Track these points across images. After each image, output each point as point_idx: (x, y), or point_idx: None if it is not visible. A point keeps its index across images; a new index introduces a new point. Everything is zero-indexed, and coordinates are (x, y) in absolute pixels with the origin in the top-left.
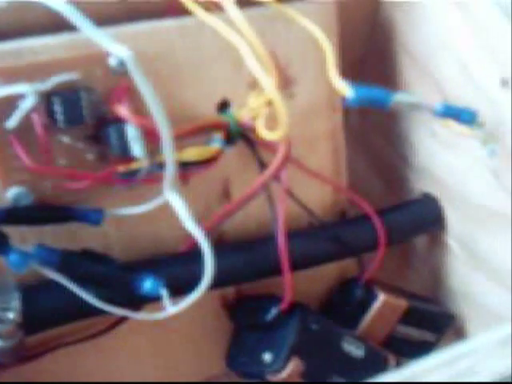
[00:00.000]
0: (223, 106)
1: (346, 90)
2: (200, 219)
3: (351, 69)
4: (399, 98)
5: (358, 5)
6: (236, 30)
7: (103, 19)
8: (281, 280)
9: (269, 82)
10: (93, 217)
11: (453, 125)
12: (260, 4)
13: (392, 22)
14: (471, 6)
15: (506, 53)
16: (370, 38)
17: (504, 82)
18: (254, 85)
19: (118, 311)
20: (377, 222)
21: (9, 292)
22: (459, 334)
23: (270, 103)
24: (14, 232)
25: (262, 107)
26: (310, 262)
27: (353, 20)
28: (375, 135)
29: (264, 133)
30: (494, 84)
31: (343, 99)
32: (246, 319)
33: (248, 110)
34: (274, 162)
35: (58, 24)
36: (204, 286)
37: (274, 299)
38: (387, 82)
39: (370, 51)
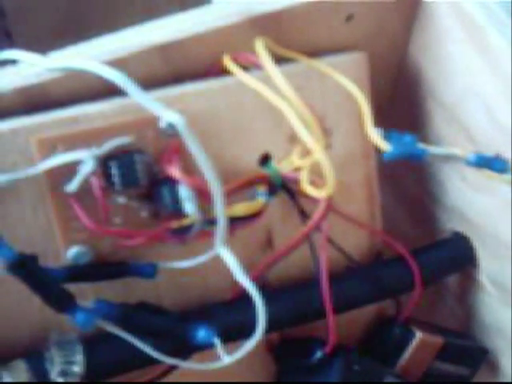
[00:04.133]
0: (265, 159)
1: (383, 145)
2: (245, 268)
3: (378, 112)
4: (434, 151)
5: (385, 52)
6: (275, 87)
7: (150, 81)
8: (321, 322)
9: (317, 146)
10: (147, 271)
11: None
12: (294, 60)
13: (419, 68)
14: (494, 54)
15: None
16: (396, 83)
17: None
18: (293, 137)
19: (177, 362)
20: (413, 264)
21: (72, 346)
22: (493, 367)
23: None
24: (73, 288)
25: (306, 165)
26: (352, 305)
27: (380, 66)
28: (405, 174)
29: (309, 189)
30: None
31: (378, 150)
32: (291, 362)
33: (289, 163)
34: (316, 214)
35: (110, 89)
36: (257, 335)
37: (317, 342)
38: (414, 127)
39: (397, 96)
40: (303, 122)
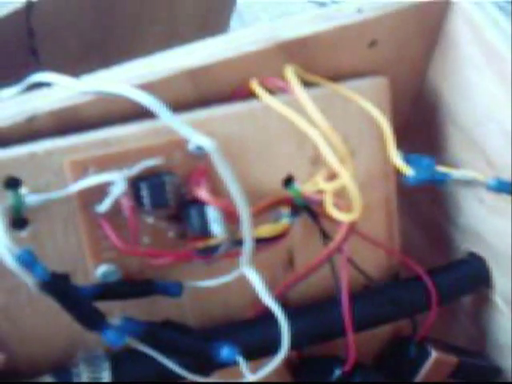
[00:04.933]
0: (288, 181)
1: (405, 168)
2: (267, 287)
3: (397, 135)
4: (455, 175)
5: (406, 76)
6: (301, 111)
7: (179, 104)
8: (339, 340)
9: (344, 171)
10: (173, 290)
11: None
12: (317, 85)
13: (438, 93)
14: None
15: None
16: (416, 107)
17: None
18: (316, 160)
19: (201, 378)
20: (429, 284)
21: (100, 362)
22: None
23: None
24: (100, 305)
25: (331, 189)
26: (370, 324)
27: (400, 90)
28: (421, 195)
29: (334, 213)
30: None
31: (399, 174)
32: (310, 380)
33: (312, 185)
34: (339, 236)
35: (140, 112)
36: (282, 354)
37: (336, 360)
38: (433, 150)
39: (417, 120)
40: (330, 146)
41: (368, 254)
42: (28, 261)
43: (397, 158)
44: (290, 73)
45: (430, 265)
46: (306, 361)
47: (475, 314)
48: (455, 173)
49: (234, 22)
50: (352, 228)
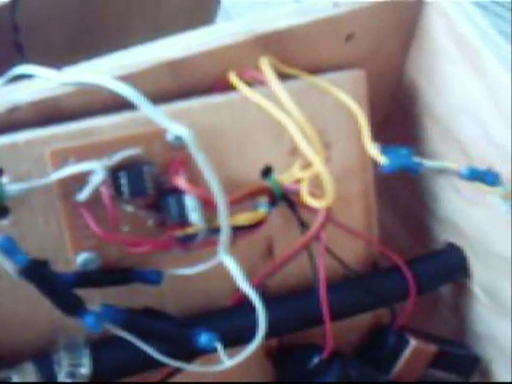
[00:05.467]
0: (266, 171)
1: (381, 158)
2: (246, 275)
3: (375, 128)
4: (429, 164)
5: (383, 70)
6: (278, 103)
7: (158, 95)
8: (319, 329)
9: (317, 159)
10: (153, 278)
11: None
12: (295, 77)
13: (415, 86)
14: (487, 73)
15: None
16: (393, 100)
17: None
18: (294, 151)
19: (181, 364)
20: (408, 274)
21: (80, 349)
22: (485, 375)
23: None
24: (81, 292)
25: (307, 177)
26: (348, 313)
27: (377, 83)
28: (400, 187)
29: (309, 200)
30: None
31: (377, 165)
32: (289, 367)
33: (289, 175)
34: (316, 225)
35: (120, 103)
36: (258, 340)
37: (315, 348)
38: (410, 142)
39: (394, 112)
40: (304, 136)
41: (347, 244)
42: (8, 247)
43: (372, 148)
44: (264, 64)
45: (410, 255)
46: (285, 348)
47: (455, 304)
48: (429, 162)
49: (219, 20)
50: (328, 216)
